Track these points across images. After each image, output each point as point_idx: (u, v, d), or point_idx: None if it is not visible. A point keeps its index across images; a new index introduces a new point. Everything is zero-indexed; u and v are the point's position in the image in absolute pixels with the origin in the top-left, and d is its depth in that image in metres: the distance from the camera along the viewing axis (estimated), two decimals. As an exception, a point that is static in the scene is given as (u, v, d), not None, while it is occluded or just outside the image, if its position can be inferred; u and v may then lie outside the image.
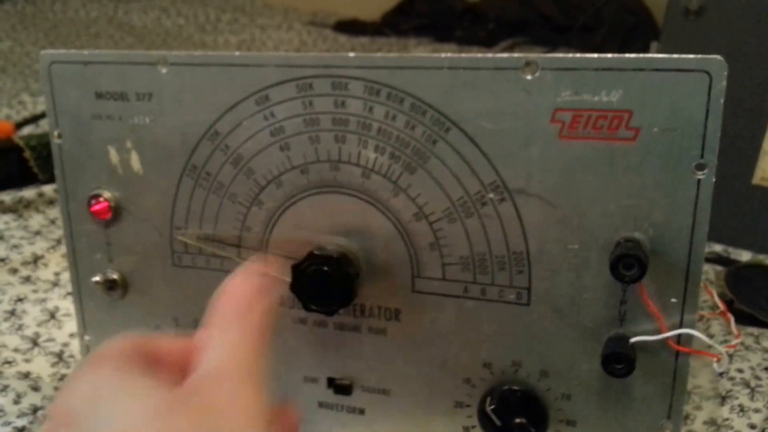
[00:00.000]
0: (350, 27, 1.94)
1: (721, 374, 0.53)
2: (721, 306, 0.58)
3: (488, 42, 1.77)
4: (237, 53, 0.41)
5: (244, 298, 0.34)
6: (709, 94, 0.34)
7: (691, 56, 0.33)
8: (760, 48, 0.68)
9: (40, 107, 1.09)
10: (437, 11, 1.94)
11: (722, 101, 0.33)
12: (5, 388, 0.49)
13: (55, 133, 0.46)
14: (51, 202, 0.80)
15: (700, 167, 0.35)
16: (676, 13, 0.72)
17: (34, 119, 0.97)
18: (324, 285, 0.38)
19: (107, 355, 0.32)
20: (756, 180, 0.71)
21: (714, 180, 0.35)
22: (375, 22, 1.98)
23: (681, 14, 0.72)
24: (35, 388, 0.50)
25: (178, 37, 1.76)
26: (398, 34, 1.92)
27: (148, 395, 0.29)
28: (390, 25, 1.96)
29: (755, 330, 0.59)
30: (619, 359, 0.36)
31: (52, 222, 0.76)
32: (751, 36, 0.69)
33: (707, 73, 0.33)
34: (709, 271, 0.68)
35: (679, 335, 0.37)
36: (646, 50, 1.48)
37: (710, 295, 0.60)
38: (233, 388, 0.29)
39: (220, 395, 0.29)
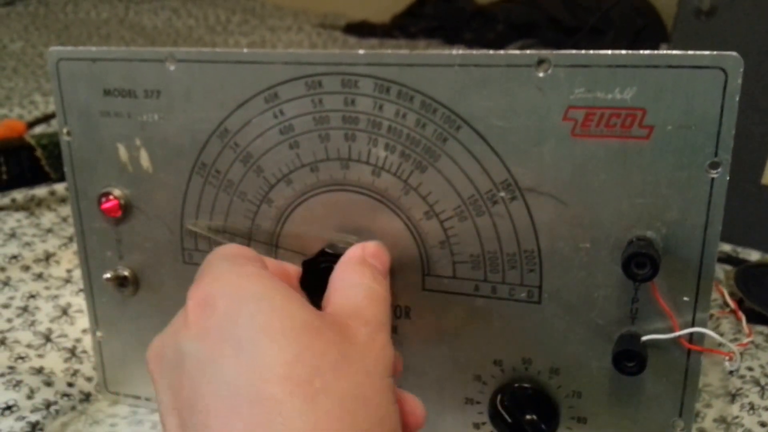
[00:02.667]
0: (360, 29, 1.95)
1: (731, 372, 0.52)
2: (733, 305, 0.58)
3: (497, 44, 1.77)
4: (245, 50, 0.41)
5: (379, 255, 0.38)
6: (724, 91, 0.33)
7: (706, 53, 0.33)
8: (772, 48, 0.68)
9: (52, 107, 1.10)
10: (446, 14, 1.95)
11: (737, 99, 0.33)
12: (18, 383, 0.49)
13: (64, 131, 0.46)
14: (63, 200, 0.81)
15: (714, 166, 0.34)
16: (687, 13, 0.72)
17: (46, 118, 0.97)
18: None
19: (246, 254, 0.35)
20: (765, 180, 0.71)
21: (728, 179, 0.34)
22: (384, 25, 1.99)
23: (692, 15, 0.71)
24: (48, 384, 0.50)
25: (189, 38, 1.76)
26: (407, 37, 1.93)
27: (296, 309, 0.31)
28: (399, 28, 1.97)
29: (765, 329, 0.59)
30: (630, 357, 0.36)
31: (64, 220, 0.77)
32: (763, 36, 0.68)
33: (722, 70, 0.33)
34: (718, 270, 0.68)
35: (691, 333, 0.37)
36: (655, 51, 1.47)
37: (720, 293, 0.59)
38: (371, 332, 0.32)
39: (360, 335, 0.32)
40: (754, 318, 0.59)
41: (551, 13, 1.78)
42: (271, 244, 0.43)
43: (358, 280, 0.35)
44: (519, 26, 1.82)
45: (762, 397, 0.50)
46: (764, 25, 0.68)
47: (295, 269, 0.39)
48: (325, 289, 0.37)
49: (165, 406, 0.31)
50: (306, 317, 0.31)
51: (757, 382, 0.51)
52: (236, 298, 0.31)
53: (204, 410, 0.28)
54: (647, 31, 1.63)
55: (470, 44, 1.82)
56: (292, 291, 0.32)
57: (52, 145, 0.82)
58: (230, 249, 0.36)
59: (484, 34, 1.84)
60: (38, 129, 0.96)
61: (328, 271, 0.38)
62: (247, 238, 0.43)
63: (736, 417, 0.48)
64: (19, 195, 0.79)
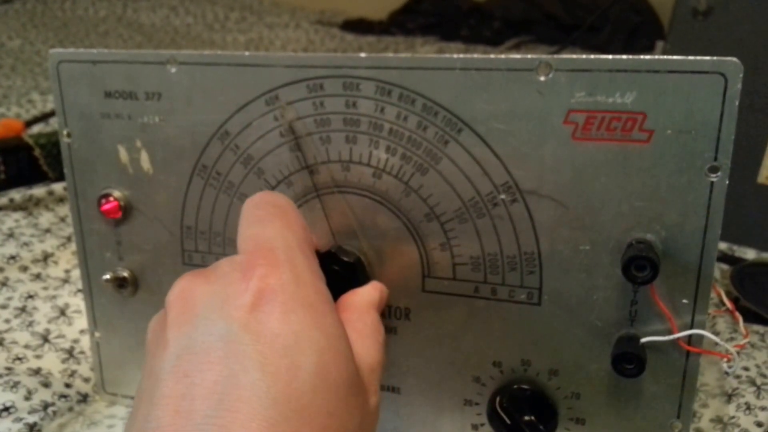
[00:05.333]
0: (357, 26, 1.95)
1: (727, 373, 0.53)
2: (730, 305, 0.58)
3: (494, 41, 1.78)
4: (247, 53, 0.41)
5: (384, 304, 0.39)
6: (723, 96, 0.33)
7: (707, 58, 0.33)
8: (768, 48, 0.68)
9: (50, 105, 1.10)
10: (443, 10, 1.96)
11: (737, 103, 0.33)
12: (16, 384, 0.49)
13: (65, 132, 0.46)
14: (61, 200, 0.80)
15: (714, 170, 0.34)
16: (684, 13, 0.72)
17: (44, 117, 0.97)
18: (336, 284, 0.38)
19: (308, 239, 0.35)
20: (761, 179, 0.71)
21: (727, 182, 0.35)
22: (382, 21, 1.99)
23: (689, 15, 0.72)
24: (46, 385, 0.50)
25: (187, 36, 1.76)
26: (405, 33, 1.93)
27: (349, 363, 0.31)
28: (397, 24, 1.97)
29: (761, 328, 0.59)
30: (629, 359, 0.36)
31: (62, 220, 0.77)
32: (759, 37, 0.69)
33: (722, 75, 0.33)
34: (714, 269, 0.68)
35: (690, 335, 0.37)
36: (651, 49, 1.48)
37: (718, 293, 0.60)
38: (376, 404, 0.33)
39: (371, 404, 0.32)
40: (749, 317, 0.59)
41: (548, 10, 1.79)
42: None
43: (377, 336, 0.35)
44: (516, 23, 1.83)
45: (758, 397, 0.50)
46: (760, 26, 0.69)
47: (315, 242, 0.38)
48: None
49: (172, 365, 0.29)
50: (352, 375, 0.30)
51: (753, 382, 0.52)
52: (308, 324, 0.30)
53: (232, 411, 0.26)
54: (643, 28, 1.63)
55: (467, 41, 1.82)
56: (347, 337, 0.32)
57: (50, 144, 0.82)
58: (297, 223, 0.34)
59: (481, 31, 1.84)
60: (36, 128, 0.96)
61: (339, 275, 0.38)
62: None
63: (733, 417, 0.49)
64: (17, 195, 0.79)
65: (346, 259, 0.40)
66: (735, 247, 0.73)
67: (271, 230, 0.33)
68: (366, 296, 0.37)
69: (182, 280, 0.32)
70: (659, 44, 0.80)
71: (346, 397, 0.30)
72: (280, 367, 0.28)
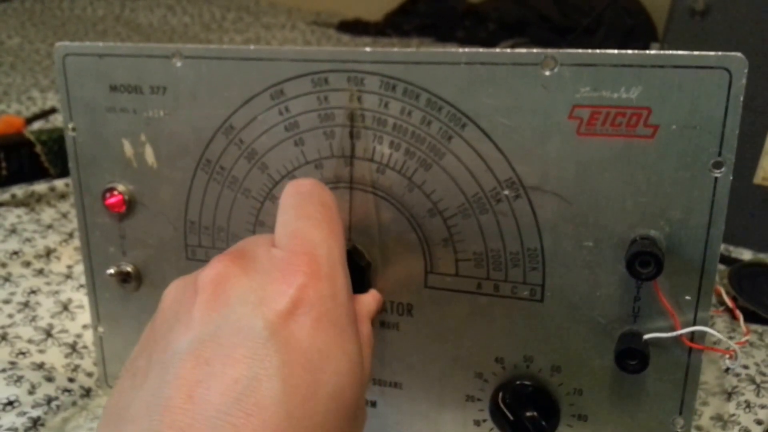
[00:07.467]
0: (353, 27, 1.96)
1: (727, 370, 0.53)
2: (730, 304, 0.58)
3: (489, 42, 1.78)
4: (252, 47, 0.41)
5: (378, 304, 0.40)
6: (728, 91, 0.34)
7: (711, 53, 0.33)
8: (765, 49, 0.68)
9: (50, 103, 1.10)
10: (439, 12, 1.96)
11: (741, 99, 0.34)
12: (20, 378, 0.49)
13: (69, 126, 0.46)
14: (62, 196, 0.81)
15: (718, 165, 0.35)
16: (681, 13, 0.72)
17: (44, 114, 0.97)
18: None
19: (344, 246, 0.34)
20: (757, 180, 0.72)
21: (731, 178, 0.35)
22: (378, 23, 2.00)
23: (686, 15, 0.72)
24: (49, 379, 0.50)
25: (184, 36, 1.76)
26: (400, 35, 1.94)
27: (362, 386, 0.31)
28: (392, 26, 1.98)
29: (759, 327, 0.60)
30: (632, 355, 0.37)
31: (64, 216, 0.77)
32: (757, 37, 0.69)
33: (727, 70, 0.33)
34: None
35: (693, 332, 0.37)
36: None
37: (718, 292, 0.60)
38: (366, 419, 0.34)
39: (360, 418, 0.32)
40: (747, 317, 0.59)
41: (542, 11, 1.79)
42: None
43: (369, 349, 0.35)
44: (510, 25, 1.83)
45: (758, 395, 0.50)
46: (758, 25, 0.69)
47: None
48: None
49: (194, 347, 0.28)
50: (361, 399, 0.31)
51: (752, 380, 0.52)
52: (334, 345, 0.30)
53: (247, 414, 0.26)
54: (637, 30, 1.64)
55: (462, 42, 1.82)
56: (363, 364, 0.32)
57: (51, 141, 0.82)
58: (340, 230, 0.34)
59: (476, 32, 1.85)
60: (37, 125, 0.96)
61: None
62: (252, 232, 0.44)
63: (733, 415, 0.49)
64: (18, 191, 0.79)
65: (360, 262, 0.40)
66: (731, 248, 0.74)
67: (318, 234, 0.33)
68: (366, 305, 0.38)
69: (219, 263, 0.31)
70: (653, 46, 0.80)
71: (352, 419, 0.30)
72: (302, 382, 0.28)
